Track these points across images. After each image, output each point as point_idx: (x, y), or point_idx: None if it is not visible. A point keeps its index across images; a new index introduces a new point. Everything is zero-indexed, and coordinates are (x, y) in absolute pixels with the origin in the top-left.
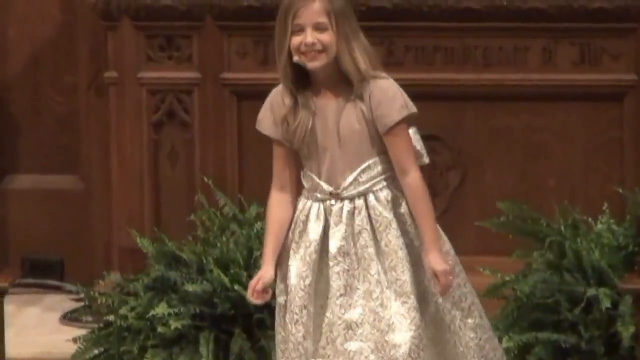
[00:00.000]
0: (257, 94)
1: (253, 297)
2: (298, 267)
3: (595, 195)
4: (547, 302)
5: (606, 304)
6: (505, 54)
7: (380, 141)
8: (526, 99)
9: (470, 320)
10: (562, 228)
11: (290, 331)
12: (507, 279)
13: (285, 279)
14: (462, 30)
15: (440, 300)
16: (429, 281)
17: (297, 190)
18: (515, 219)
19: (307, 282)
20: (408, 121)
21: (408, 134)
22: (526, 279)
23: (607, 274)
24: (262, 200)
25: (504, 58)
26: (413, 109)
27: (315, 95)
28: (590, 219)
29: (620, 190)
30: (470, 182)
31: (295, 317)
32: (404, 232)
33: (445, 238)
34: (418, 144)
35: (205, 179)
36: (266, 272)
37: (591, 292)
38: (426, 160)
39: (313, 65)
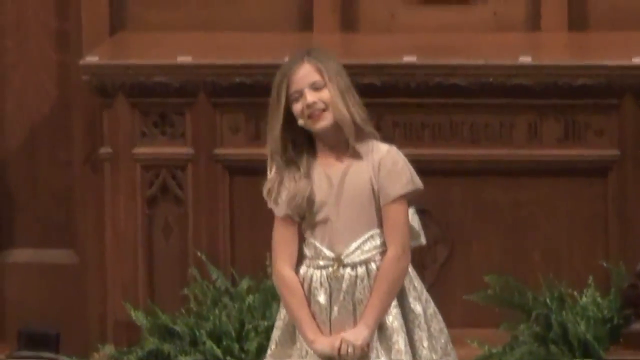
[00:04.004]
0: (249, 169)
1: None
2: None
3: (581, 269)
4: None
5: None
6: (491, 129)
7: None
8: (512, 174)
9: None
10: (548, 301)
11: None
12: (494, 351)
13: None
14: (449, 106)
15: None
16: (421, 350)
17: None
18: (501, 292)
19: None
20: (410, 197)
21: (406, 209)
22: (513, 351)
23: (593, 346)
24: (253, 273)
25: (490, 134)
26: (419, 184)
27: (319, 160)
28: (575, 292)
29: (605, 264)
30: (457, 255)
31: None
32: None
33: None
34: (415, 223)
35: (198, 253)
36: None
37: None
38: (423, 240)
39: (320, 125)
